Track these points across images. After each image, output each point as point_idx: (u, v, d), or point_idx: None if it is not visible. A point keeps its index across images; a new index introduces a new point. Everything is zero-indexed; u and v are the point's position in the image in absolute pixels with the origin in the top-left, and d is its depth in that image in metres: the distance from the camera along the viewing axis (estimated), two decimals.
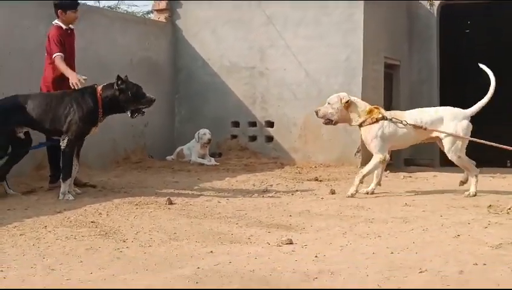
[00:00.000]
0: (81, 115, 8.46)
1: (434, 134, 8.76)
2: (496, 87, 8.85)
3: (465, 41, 19.85)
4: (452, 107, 8.95)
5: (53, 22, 9.15)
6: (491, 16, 17.91)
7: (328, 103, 8.89)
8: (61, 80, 8.89)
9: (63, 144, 8.45)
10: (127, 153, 12.40)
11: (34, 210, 7.50)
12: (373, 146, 8.73)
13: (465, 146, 8.76)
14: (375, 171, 8.91)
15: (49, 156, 9.28)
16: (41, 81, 9.12)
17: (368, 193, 8.87)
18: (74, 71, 8.98)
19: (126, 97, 8.53)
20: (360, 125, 8.80)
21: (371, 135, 8.70)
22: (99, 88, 8.61)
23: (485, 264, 5.09)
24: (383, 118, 8.71)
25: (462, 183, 8.94)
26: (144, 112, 8.76)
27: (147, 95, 8.69)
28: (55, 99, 8.58)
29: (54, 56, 8.84)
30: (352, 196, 8.60)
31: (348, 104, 8.76)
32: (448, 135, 8.59)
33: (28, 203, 7.97)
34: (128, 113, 8.67)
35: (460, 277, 4.80)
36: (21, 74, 9.85)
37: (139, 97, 8.62)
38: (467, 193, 8.60)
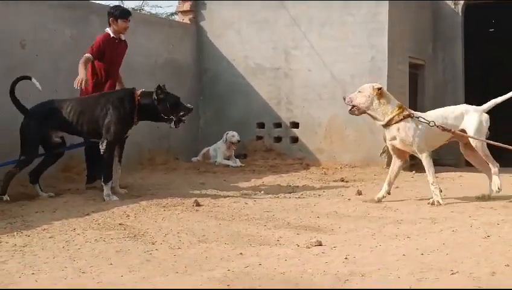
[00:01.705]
0: (118, 116, 8.52)
1: (460, 126, 8.42)
2: None
3: (490, 40, 19.80)
4: (468, 105, 8.77)
5: (105, 30, 9.36)
6: None
7: (359, 91, 8.49)
8: (99, 84, 9.04)
9: (102, 147, 8.51)
10: (152, 154, 12.42)
11: (62, 212, 7.53)
12: (417, 141, 8.28)
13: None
14: (387, 179, 8.58)
15: (86, 156, 9.43)
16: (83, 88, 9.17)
17: (379, 201, 8.43)
18: (114, 80, 9.32)
19: (164, 107, 8.59)
20: (388, 124, 8.36)
21: (411, 131, 8.28)
22: (137, 92, 8.67)
23: None
24: (410, 115, 8.37)
25: (489, 197, 8.47)
26: (184, 120, 8.83)
27: (185, 104, 8.74)
28: (92, 101, 8.66)
29: (84, 54, 8.96)
30: (438, 204, 8.10)
31: (381, 95, 8.36)
32: (473, 119, 8.33)
33: (56, 205, 7.99)
34: (172, 124, 8.72)
35: (493, 278, 4.76)
36: (48, 76, 9.91)
37: (177, 107, 8.66)
38: (491, 188, 8.33)
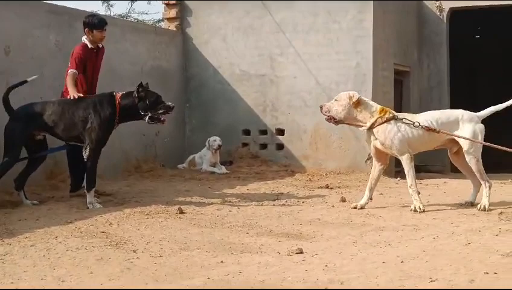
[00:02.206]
0: (99, 122, 8.51)
1: (448, 137, 8.36)
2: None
3: (475, 46, 19.89)
4: (465, 111, 8.55)
5: (82, 38, 9.23)
6: (501, 21, 17.92)
7: (336, 100, 8.49)
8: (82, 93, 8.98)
9: (86, 153, 8.50)
10: (139, 162, 12.40)
11: (45, 220, 7.51)
12: (396, 144, 8.22)
13: (481, 150, 8.35)
14: (368, 184, 8.57)
15: (69, 164, 9.33)
16: (62, 92, 9.15)
17: (361, 207, 8.40)
18: (95, 90, 9.20)
19: (144, 105, 8.58)
20: (371, 127, 8.32)
21: (391, 134, 8.24)
22: (118, 95, 8.65)
23: (495, 273, 5.06)
24: (394, 117, 8.33)
25: (471, 204, 8.47)
26: (163, 121, 8.78)
27: (166, 102, 8.72)
28: (74, 105, 8.64)
29: (68, 71, 8.91)
30: (420, 210, 8.07)
31: (358, 103, 8.34)
32: (468, 131, 8.24)
33: (39, 213, 7.96)
34: (147, 119, 8.67)
35: (471, 285, 4.79)
36: (33, 83, 9.87)
37: (158, 104, 8.64)
38: (479, 205, 8.15)
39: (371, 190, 8.59)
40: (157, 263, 5.69)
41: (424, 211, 8.05)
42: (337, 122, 8.55)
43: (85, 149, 8.51)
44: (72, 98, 8.66)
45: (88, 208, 8.35)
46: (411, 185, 8.30)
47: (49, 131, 8.65)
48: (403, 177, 11.08)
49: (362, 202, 8.52)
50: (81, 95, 8.75)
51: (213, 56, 13.74)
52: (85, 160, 8.53)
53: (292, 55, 13.09)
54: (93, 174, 8.61)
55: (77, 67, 8.95)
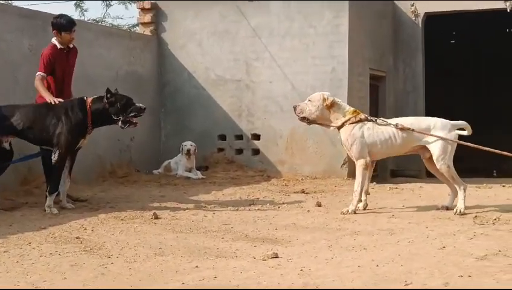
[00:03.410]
0: (70, 127, 8.46)
1: (421, 142, 8.41)
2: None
3: (450, 51, 20.00)
4: (440, 118, 8.61)
5: (51, 40, 9.14)
6: (476, 26, 18.04)
7: (309, 100, 8.58)
8: (57, 96, 8.85)
9: (54, 157, 8.45)
10: (113, 167, 12.34)
11: (19, 226, 7.45)
12: (354, 148, 8.35)
13: (452, 156, 8.41)
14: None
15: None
16: (37, 96, 9.05)
17: (361, 209, 8.53)
18: (69, 90, 9.12)
19: (116, 109, 8.54)
20: (341, 127, 8.43)
21: (351, 136, 8.35)
22: (89, 100, 8.61)
23: (470, 276, 5.09)
24: (367, 119, 8.45)
25: (446, 208, 8.48)
26: (135, 123, 8.73)
27: (137, 104, 8.68)
28: (45, 109, 8.58)
29: (36, 75, 8.83)
30: (352, 213, 8.27)
31: (331, 105, 8.43)
32: (438, 138, 8.27)
33: (13, 219, 7.90)
34: (119, 124, 8.63)
35: (445, 289, 4.79)
36: (5, 87, 9.82)
37: (129, 107, 8.60)
38: (455, 209, 8.19)
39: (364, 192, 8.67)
40: (132, 268, 5.65)
41: (355, 213, 8.27)
42: (310, 122, 8.66)
43: (54, 153, 8.46)
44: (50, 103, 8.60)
45: (45, 211, 8.34)
46: (356, 190, 8.41)
47: (20, 136, 8.58)
48: (379, 182, 11.17)
49: (360, 204, 8.60)
50: (60, 100, 8.68)
51: (188, 61, 13.71)
52: (53, 163, 8.49)
53: (268, 60, 13.09)
54: (58, 179, 8.57)
55: (45, 70, 8.87)
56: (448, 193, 8.72)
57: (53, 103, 8.59)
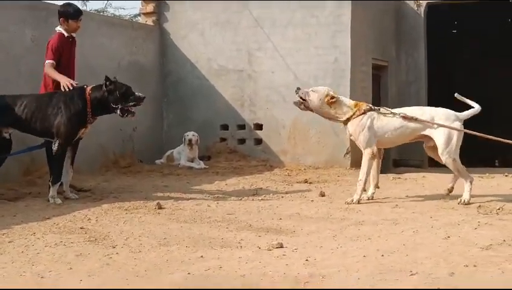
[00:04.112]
0: (69, 116, 8.44)
1: (425, 132, 8.38)
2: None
3: (452, 41, 19.95)
4: (445, 109, 8.57)
5: (56, 29, 9.13)
6: (478, 16, 18.00)
7: (312, 91, 8.61)
8: (58, 88, 8.84)
9: (54, 147, 8.45)
10: (116, 157, 12.34)
11: (23, 216, 7.45)
12: (362, 139, 8.37)
13: (459, 148, 8.35)
14: (371, 173, 8.59)
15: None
16: (41, 85, 9.05)
17: (368, 199, 8.54)
18: (74, 79, 9.01)
19: (115, 98, 8.52)
20: (348, 121, 8.46)
21: (360, 126, 8.37)
22: (88, 89, 8.60)
23: (475, 266, 5.09)
24: (371, 109, 8.47)
25: (449, 191, 8.59)
26: (134, 113, 8.72)
27: (136, 93, 8.66)
28: (45, 99, 8.57)
29: (45, 63, 8.83)
30: (357, 202, 8.29)
31: (332, 102, 8.46)
32: (441, 126, 8.25)
33: (17, 209, 7.90)
34: (118, 112, 8.62)
35: (451, 278, 4.80)
36: (9, 79, 9.81)
37: (128, 96, 8.58)
38: (460, 199, 8.16)
39: (374, 178, 8.70)
40: (137, 258, 5.65)
41: (359, 203, 8.29)
42: (306, 108, 8.64)
43: (54, 143, 8.47)
44: (66, 87, 8.59)
45: (49, 201, 8.34)
46: (360, 179, 8.42)
47: (20, 127, 8.57)
48: (382, 171, 11.14)
49: (369, 193, 8.64)
50: (77, 83, 8.69)
51: (191, 51, 13.70)
52: (53, 154, 8.49)
53: (270, 50, 13.07)
54: (60, 169, 8.57)
55: (54, 57, 8.86)
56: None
57: (70, 86, 8.57)
